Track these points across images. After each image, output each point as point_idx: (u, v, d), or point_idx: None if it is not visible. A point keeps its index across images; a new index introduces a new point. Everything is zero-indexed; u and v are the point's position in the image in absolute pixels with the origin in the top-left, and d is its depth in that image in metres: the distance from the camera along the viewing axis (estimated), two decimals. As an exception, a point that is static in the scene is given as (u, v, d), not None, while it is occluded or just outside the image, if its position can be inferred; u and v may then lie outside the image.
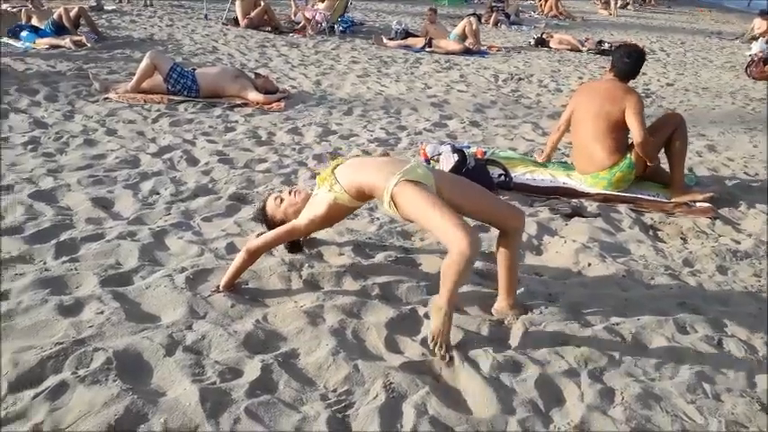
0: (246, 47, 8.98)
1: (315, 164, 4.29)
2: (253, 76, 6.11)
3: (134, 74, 5.83)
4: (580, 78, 8.61)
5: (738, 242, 3.50)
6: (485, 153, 4.57)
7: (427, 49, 9.97)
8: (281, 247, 2.81)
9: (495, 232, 3.14)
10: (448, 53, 9.89)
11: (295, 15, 11.39)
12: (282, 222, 2.66)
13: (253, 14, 10.54)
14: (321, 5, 11.08)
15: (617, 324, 2.52)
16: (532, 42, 11.65)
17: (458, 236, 2.12)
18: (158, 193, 3.55)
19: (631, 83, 4.08)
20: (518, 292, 2.58)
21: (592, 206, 3.85)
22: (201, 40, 9.10)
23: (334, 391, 2.01)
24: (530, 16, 16.50)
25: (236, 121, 5.22)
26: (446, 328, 2.20)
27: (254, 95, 5.77)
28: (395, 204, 2.32)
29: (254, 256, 2.56)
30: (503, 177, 4.04)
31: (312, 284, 2.66)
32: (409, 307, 2.52)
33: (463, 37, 10.48)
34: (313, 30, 10.63)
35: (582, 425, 1.95)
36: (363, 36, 11.10)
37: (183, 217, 3.24)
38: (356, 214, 3.34)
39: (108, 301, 2.36)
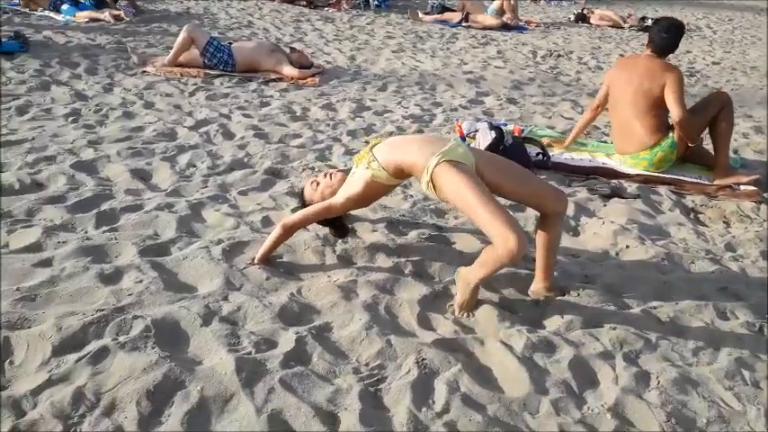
0: (281, 21, 8.96)
1: (349, 140, 4.29)
2: (288, 51, 6.11)
3: (171, 48, 5.89)
4: (621, 56, 8.35)
5: (784, 227, 3.38)
6: (522, 131, 4.49)
7: (464, 24, 9.82)
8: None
9: (530, 212, 3.13)
10: (485, 28, 9.72)
11: (330, -11, 11.31)
12: None
13: (288, -12, 10.51)
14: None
15: (654, 308, 2.47)
16: (572, 18, 11.38)
17: (509, 236, 2.06)
18: (195, 166, 3.60)
19: (675, 61, 3.94)
20: (554, 273, 2.55)
21: (631, 187, 3.76)
22: (237, 15, 9.11)
23: (367, 364, 2.03)
24: (570, -9, 16.06)
25: (271, 96, 5.23)
26: (474, 300, 2.35)
27: (288, 70, 5.77)
28: (433, 185, 2.29)
29: (289, 231, 2.58)
30: (540, 156, 3.97)
31: (346, 260, 2.68)
32: (442, 285, 2.51)
33: (501, 12, 10.28)
34: (348, 4, 10.55)
35: (616, 407, 1.92)
36: (399, 10, 10.96)
37: (219, 190, 3.28)
38: (390, 191, 3.33)
39: (146, 271, 2.41)
